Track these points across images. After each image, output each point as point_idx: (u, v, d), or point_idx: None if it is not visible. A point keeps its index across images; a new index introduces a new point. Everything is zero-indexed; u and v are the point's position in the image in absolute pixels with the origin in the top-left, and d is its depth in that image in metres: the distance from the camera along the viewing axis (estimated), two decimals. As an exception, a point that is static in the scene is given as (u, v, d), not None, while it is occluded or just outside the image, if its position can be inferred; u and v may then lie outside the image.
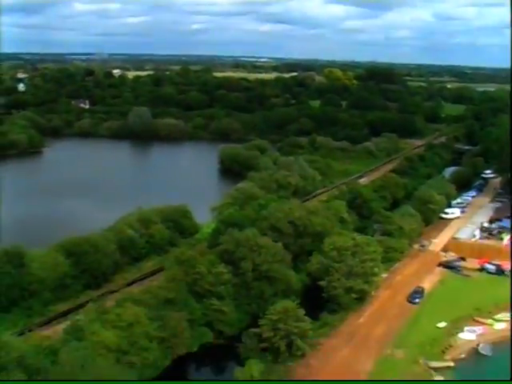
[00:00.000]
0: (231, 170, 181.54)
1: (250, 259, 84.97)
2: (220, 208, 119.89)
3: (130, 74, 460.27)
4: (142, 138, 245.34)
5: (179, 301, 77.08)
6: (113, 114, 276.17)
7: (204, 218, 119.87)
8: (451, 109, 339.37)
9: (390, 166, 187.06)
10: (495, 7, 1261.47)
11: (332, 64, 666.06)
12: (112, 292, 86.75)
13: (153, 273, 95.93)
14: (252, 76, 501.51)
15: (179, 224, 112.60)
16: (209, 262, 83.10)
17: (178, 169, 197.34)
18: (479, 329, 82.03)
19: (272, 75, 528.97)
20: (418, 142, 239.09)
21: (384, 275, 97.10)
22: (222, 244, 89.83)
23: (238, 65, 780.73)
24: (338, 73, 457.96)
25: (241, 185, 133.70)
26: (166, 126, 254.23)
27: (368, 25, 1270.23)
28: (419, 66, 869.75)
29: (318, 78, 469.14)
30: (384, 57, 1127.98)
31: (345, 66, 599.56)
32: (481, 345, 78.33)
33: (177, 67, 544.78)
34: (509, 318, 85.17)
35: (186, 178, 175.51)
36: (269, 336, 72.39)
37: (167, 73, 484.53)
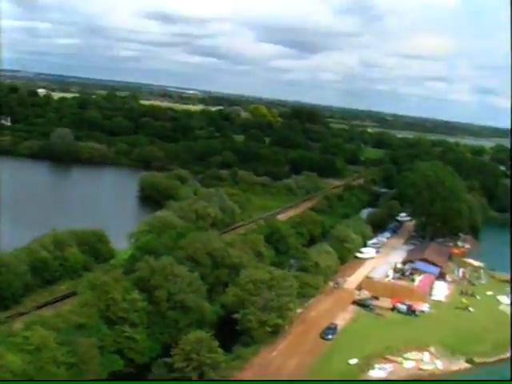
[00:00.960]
0: (151, 198, 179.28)
1: (165, 288, 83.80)
2: (137, 235, 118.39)
3: (56, 95, 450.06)
4: (63, 159, 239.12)
5: (90, 326, 74.93)
6: (35, 134, 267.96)
7: (120, 244, 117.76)
8: (371, 152, 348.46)
9: (308, 204, 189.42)
10: (415, 59, 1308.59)
11: (258, 101, 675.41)
12: (21, 314, 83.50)
13: (65, 296, 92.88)
14: (178, 106, 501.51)
15: (95, 248, 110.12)
16: (123, 289, 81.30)
17: (98, 193, 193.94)
18: (389, 366, 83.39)
19: (198, 107, 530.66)
20: (337, 183, 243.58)
21: (299, 310, 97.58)
22: (137, 271, 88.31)
23: (165, 94, 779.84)
24: (264, 110, 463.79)
25: (159, 213, 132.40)
26: (89, 150, 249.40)
27: (296, 65, 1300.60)
28: (342, 109, 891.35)
29: (244, 114, 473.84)
30: (309, 98, 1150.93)
31: (270, 104, 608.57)
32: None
33: (103, 92, 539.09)
34: (417, 358, 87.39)
35: (105, 203, 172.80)
36: (181, 366, 71.37)
37: (93, 96, 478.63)
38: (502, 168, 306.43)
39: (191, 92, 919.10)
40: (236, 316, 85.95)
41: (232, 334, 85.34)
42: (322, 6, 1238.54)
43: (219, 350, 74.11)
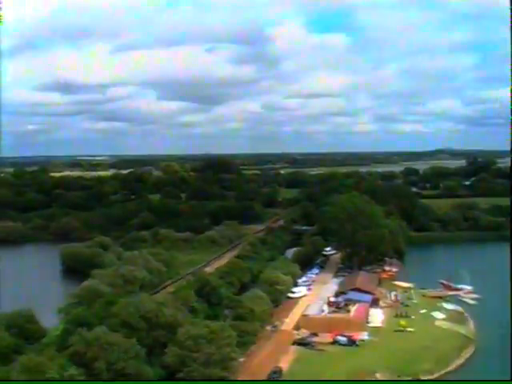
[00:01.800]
0: (74, 270, 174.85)
1: (103, 358, 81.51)
2: (66, 308, 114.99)
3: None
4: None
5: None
6: None
7: (51, 321, 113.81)
8: (286, 193, 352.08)
9: (233, 253, 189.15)
10: (316, 98, 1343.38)
11: (169, 158, 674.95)
12: None
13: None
14: (89, 174, 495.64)
15: (24, 329, 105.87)
16: (59, 366, 78.53)
17: (20, 272, 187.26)
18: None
19: (109, 172, 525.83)
20: (259, 227, 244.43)
21: (241, 359, 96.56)
22: (71, 345, 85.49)
23: (74, 164, 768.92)
24: (175, 166, 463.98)
25: (86, 283, 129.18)
26: (3, 229, 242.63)
27: (201, 119, 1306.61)
28: (252, 155, 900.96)
29: (156, 173, 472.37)
30: (218, 148, 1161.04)
31: (181, 160, 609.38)
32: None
33: (11, 169, 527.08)
34: None
35: (28, 281, 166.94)
36: None
37: (1, 175, 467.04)
38: (414, 189, 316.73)
39: (101, 158, 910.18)
40: (179, 375, 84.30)
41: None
42: (218, 57, 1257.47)
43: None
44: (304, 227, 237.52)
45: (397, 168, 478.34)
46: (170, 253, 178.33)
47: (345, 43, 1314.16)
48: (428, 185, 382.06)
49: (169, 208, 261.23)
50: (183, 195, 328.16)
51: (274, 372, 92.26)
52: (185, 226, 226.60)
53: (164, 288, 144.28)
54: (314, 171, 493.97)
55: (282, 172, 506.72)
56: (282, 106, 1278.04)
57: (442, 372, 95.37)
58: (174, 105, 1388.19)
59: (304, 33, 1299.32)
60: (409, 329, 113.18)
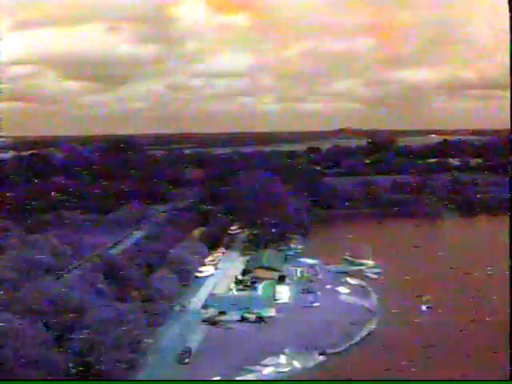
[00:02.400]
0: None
1: (9, 346, 79.74)
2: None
3: None
4: None
5: None
6: None
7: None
8: (193, 173, 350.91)
9: (141, 233, 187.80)
10: (221, 78, 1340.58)
11: (73, 139, 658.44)
12: None
13: None
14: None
15: None
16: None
17: None
18: (250, 377, 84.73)
19: (10, 154, 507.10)
20: (165, 207, 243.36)
21: (150, 340, 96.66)
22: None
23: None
24: (79, 147, 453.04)
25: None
26: None
27: (104, 99, 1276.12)
28: (157, 135, 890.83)
29: (59, 154, 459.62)
30: (123, 129, 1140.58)
31: (85, 140, 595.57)
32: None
33: None
34: (274, 363, 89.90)
35: None
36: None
37: None
38: (317, 168, 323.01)
39: (1, 140, 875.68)
40: (89, 359, 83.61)
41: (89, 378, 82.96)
42: (120, 36, 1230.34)
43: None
44: (210, 207, 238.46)
45: (300, 147, 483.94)
46: (76, 235, 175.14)
47: (249, 23, 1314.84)
48: (330, 163, 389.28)
49: (73, 189, 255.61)
50: (88, 176, 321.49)
51: (184, 352, 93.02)
52: (90, 207, 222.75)
53: (70, 271, 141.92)
54: (220, 151, 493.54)
55: (188, 152, 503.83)
56: (187, 85, 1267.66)
57: (348, 344, 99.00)
58: (76, 85, 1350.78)
59: (208, 13, 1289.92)
60: (315, 304, 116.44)
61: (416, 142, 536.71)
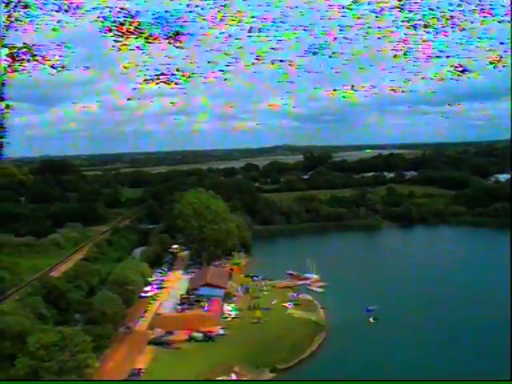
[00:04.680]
0: None
1: None
2: None
3: None
4: None
5: None
6: None
7: None
8: (129, 192, 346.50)
9: (79, 255, 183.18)
10: (155, 97, 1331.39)
11: (5, 161, 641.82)
12: None
13: None
14: None
15: None
16: None
17: None
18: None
19: None
20: (103, 228, 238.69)
21: (96, 365, 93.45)
22: None
23: None
24: (12, 168, 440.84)
25: None
26: None
27: (38, 120, 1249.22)
28: (92, 156, 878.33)
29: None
30: (57, 150, 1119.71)
31: (17, 162, 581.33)
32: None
33: None
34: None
35: None
36: None
37: None
38: (255, 184, 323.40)
39: None
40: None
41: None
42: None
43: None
44: (150, 226, 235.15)
45: (237, 164, 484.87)
46: (11, 259, 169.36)
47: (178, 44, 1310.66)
48: (268, 180, 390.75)
49: (8, 212, 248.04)
50: (22, 198, 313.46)
51: (133, 374, 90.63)
52: (26, 230, 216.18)
53: (9, 296, 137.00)
54: (155, 170, 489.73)
55: (124, 172, 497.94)
56: (122, 106, 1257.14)
57: (298, 359, 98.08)
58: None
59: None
60: (263, 320, 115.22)
61: (352, 156, 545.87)
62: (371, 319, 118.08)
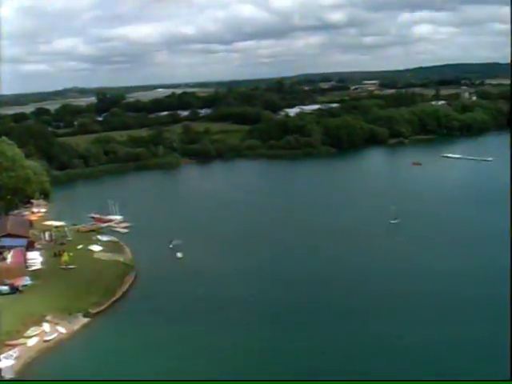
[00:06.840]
0: None
1: None
2: None
3: None
4: None
5: None
6: None
7: None
8: None
9: None
10: None
11: None
12: None
13: None
14: None
15: None
16: None
17: None
18: (15, 352, 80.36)
19: None
20: None
21: None
22: None
23: None
24: None
25: None
26: None
27: None
28: None
29: None
30: None
31: None
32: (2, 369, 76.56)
33: None
34: (39, 332, 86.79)
35: None
36: None
37: None
38: (49, 129, 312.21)
39: None
40: None
41: None
42: None
43: None
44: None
45: (27, 109, 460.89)
46: None
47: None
48: (61, 123, 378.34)
49: None
50: None
51: None
52: None
53: None
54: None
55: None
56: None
57: (110, 302, 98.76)
58: None
59: None
60: (70, 266, 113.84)
61: (145, 97, 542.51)
62: (178, 254, 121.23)
